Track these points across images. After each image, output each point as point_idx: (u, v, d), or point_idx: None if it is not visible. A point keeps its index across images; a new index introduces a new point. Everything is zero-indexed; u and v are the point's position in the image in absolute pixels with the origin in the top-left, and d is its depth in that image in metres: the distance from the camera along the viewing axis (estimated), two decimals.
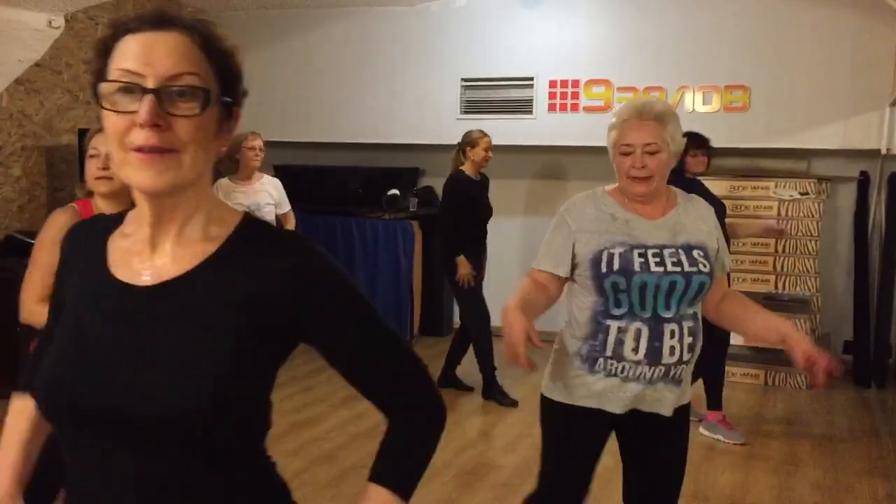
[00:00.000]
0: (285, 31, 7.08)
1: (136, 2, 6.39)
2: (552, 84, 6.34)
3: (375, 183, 6.84)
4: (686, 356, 2.21)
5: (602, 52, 6.24)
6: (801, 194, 5.81)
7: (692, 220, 2.28)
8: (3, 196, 5.56)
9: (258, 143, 5.06)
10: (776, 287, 5.85)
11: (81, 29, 6.09)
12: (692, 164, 4.53)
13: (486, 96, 6.56)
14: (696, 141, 4.46)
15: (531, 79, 6.38)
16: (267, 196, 5.15)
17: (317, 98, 7.00)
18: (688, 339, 2.20)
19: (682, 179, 4.68)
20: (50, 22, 4.76)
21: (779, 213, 5.83)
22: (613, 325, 2.18)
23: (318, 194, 6.95)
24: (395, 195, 6.61)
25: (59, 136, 5.94)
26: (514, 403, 5.11)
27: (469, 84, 6.60)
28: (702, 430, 4.62)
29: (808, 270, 5.82)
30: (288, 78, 7.04)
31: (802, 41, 5.78)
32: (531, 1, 6.35)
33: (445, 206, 5.23)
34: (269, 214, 5.15)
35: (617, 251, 2.18)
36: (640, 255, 2.18)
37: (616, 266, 2.17)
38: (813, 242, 5.81)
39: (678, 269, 2.17)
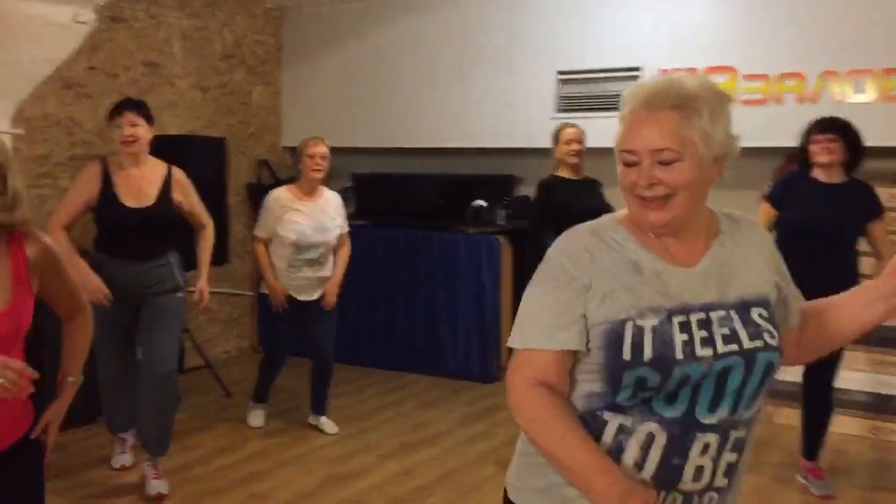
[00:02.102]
0: (361, 26, 6.43)
1: None
2: (663, 74, 5.33)
3: (459, 192, 6.05)
4: (721, 482, 1.40)
5: (723, 33, 5.19)
6: None
7: (744, 255, 1.48)
8: (48, 210, 5.16)
9: (320, 149, 4.36)
10: None
11: (141, 28, 5.66)
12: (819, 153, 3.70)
13: (586, 91, 5.63)
14: (825, 126, 3.66)
15: (637, 69, 5.41)
16: (330, 219, 4.48)
17: (395, 100, 6.30)
18: (729, 457, 1.39)
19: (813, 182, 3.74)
20: (76, 16, 4.28)
21: None
22: (614, 422, 1.38)
23: (395, 205, 6.25)
24: (479, 206, 5.80)
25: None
26: None
27: (566, 78, 5.70)
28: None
29: None
30: (364, 78, 6.40)
31: None
32: None
33: (530, 214, 4.52)
34: (335, 239, 4.51)
35: (648, 323, 1.35)
36: (681, 326, 1.35)
37: (649, 352, 1.33)
38: None
39: (734, 346, 1.37)
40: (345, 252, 4.59)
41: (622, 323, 1.35)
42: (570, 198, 4.11)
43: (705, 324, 1.36)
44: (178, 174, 3.85)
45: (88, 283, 3.53)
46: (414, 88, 6.23)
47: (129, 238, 3.71)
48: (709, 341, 1.34)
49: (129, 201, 3.68)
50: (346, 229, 4.60)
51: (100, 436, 4.35)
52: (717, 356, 1.34)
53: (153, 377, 3.70)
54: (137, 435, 3.94)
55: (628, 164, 1.40)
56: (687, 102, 1.36)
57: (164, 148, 4.16)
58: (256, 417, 4.76)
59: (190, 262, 5.06)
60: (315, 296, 4.47)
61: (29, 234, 1.95)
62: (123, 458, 4.07)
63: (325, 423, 4.67)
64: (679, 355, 1.32)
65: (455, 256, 5.85)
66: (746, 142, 1.48)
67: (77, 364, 2.21)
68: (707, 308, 1.38)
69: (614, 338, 1.35)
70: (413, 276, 5.96)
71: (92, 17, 4.37)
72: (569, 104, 5.68)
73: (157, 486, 3.73)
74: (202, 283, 3.93)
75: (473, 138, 6.03)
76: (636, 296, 1.37)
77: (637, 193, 1.39)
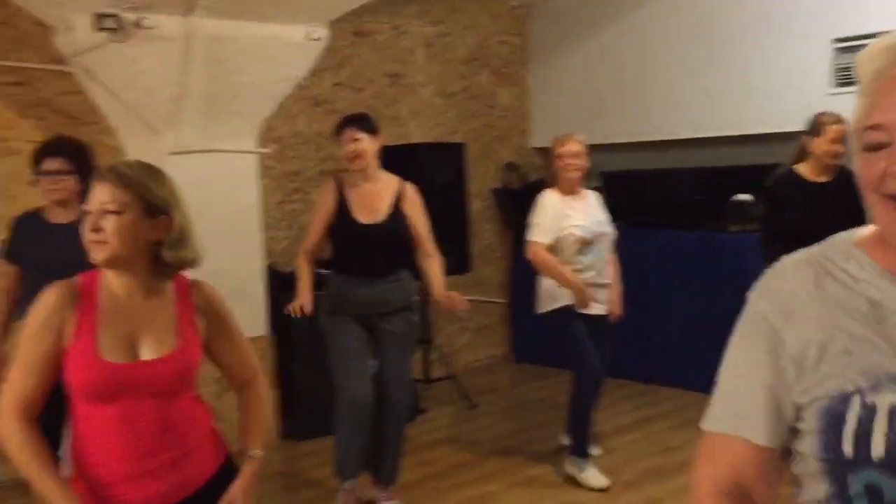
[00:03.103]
0: (608, 14, 6.02)
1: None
2: None
3: (718, 186, 5.41)
4: None
5: None
6: None
7: None
8: (301, 224, 5.38)
9: (571, 147, 3.97)
10: None
11: (384, 41, 5.74)
12: None
13: None
14: None
15: None
16: (598, 212, 4.11)
17: (647, 89, 5.81)
18: None
19: None
20: (308, 35, 4.37)
21: None
22: None
23: (646, 204, 5.75)
24: (741, 201, 5.13)
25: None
26: None
27: (844, 46, 4.86)
28: None
29: None
30: (613, 69, 5.99)
31: None
32: None
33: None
34: (609, 234, 4.10)
35: (886, 400, 0.91)
36: None
37: (880, 446, 0.90)
38: None
39: None
40: (614, 258, 4.16)
41: (846, 398, 0.93)
42: (808, 200, 3.55)
43: None
44: (410, 191, 3.68)
45: (299, 292, 3.51)
46: (668, 75, 5.70)
47: (361, 254, 3.63)
48: None
49: (362, 217, 3.61)
50: (612, 229, 4.17)
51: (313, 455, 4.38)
52: None
53: (389, 400, 3.59)
54: (368, 469, 3.71)
55: (874, 148, 0.94)
56: None
57: (402, 158, 4.11)
58: (594, 476, 3.90)
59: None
60: (599, 308, 3.98)
61: (197, 283, 1.93)
62: None
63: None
64: None
65: (714, 258, 5.24)
66: None
67: (259, 437, 2.03)
68: None
69: (833, 420, 0.93)
70: (666, 279, 5.44)
71: (324, 34, 4.44)
72: (849, 77, 4.84)
73: None
74: (441, 291, 3.61)
75: (736, 125, 5.37)
76: (870, 356, 0.93)
77: (888, 191, 0.93)
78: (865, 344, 0.94)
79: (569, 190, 4.02)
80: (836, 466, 0.93)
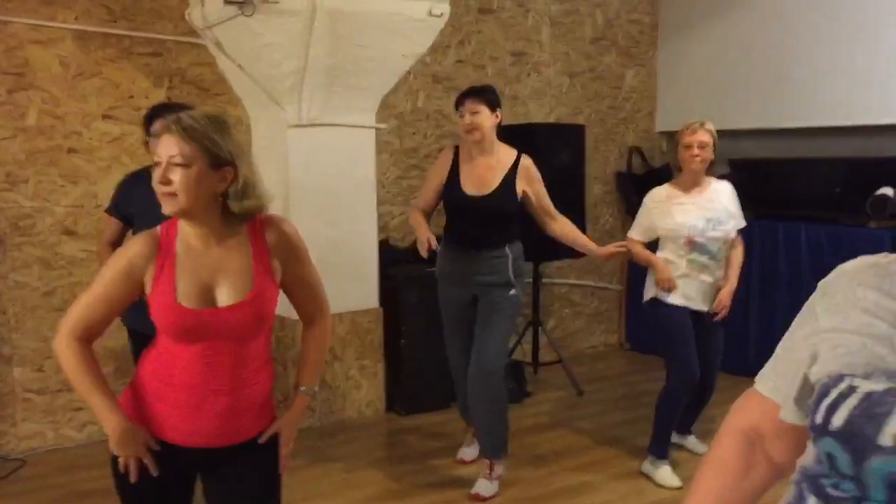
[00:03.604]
0: None
1: None
2: None
3: (860, 178, 5.05)
4: None
5: None
6: None
7: None
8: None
9: (696, 137, 3.70)
10: None
11: (508, 18, 5.66)
12: None
13: None
14: None
15: None
16: (723, 211, 3.80)
17: (778, 73, 5.48)
18: None
19: None
20: (430, 10, 4.35)
21: None
22: None
23: (778, 194, 5.43)
24: (884, 195, 4.77)
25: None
26: None
27: None
28: None
29: None
30: (748, 51, 5.68)
31: None
32: None
33: None
34: (733, 233, 3.83)
35: (868, 386, 0.97)
36: None
37: (840, 418, 0.97)
38: None
39: None
40: (738, 253, 3.89)
41: (839, 379, 1.00)
42: None
43: None
44: (526, 162, 3.65)
45: (419, 231, 3.53)
46: (806, 58, 5.35)
47: (465, 225, 3.67)
48: None
49: (470, 188, 3.62)
50: (741, 225, 3.90)
51: (418, 430, 4.41)
52: None
53: (477, 374, 3.60)
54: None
55: None
56: None
57: (520, 137, 4.04)
58: (668, 476, 3.78)
59: (538, 255, 4.95)
60: (708, 306, 3.81)
61: (269, 220, 1.92)
62: (467, 451, 4.05)
63: (693, 442, 4.14)
64: (884, 439, 0.91)
65: (851, 255, 4.88)
66: None
67: (310, 374, 2.09)
68: None
69: (820, 396, 1.02)
70: (796, 276, 5.13)
71: (446, 10, 4.41)
72: None
73: (480, 486, 3.63)
74: (590, 243, 3.81)
75: (880, 113, 4.98)
76: (880, 350, 0.99)
77: None
78: (883, 342, 0.99)
79: (691, 182, 3.79)
80: (812, 433, 1.02)
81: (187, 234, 1.85)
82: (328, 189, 4.42)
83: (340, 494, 3.68)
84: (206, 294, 1.83)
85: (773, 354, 1.18)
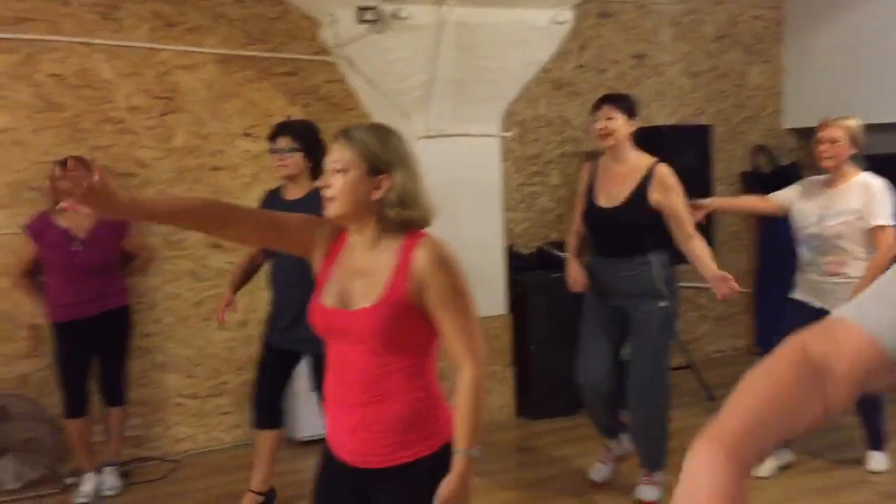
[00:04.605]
0: None
1: None
2: None
3: None
4: None
5: None
6: None
7: None
8: (540, 206, 5.44)
9: (825, 132, 3.63)
10: None
11: (629, 21, 5.62)
12: None
13: None
14: None
15: None
16: (844, 207, 3.64)
17: None
18: None
19: None
20: (553, 18, 4.37)
21: None
22: None
23: None
24: None
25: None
26: None
27: None
28: None
29: None
30: (880, 41, 5.43)
31: None
32: None
33: None
34: (834, 230, 3.64)
35: None
36: None
37: None
38: None
39: None
40: (880, 252, 3.59)
41: None
42: None
43: None
44: (662, 171, 3.51)
45: (568, 267, 3.78)
46: None
47: (599, 237, 3.69)
48: None
49: (602, 200, 3.60)
50: (879, 221, 3.59)
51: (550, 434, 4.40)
52: None
53: (632, 389, 3.59)
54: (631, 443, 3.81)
55: None
56: None
57: (647, 140, 4.01)
58: (880, 461, 3.96)
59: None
60: (828, 303, 3.62)
61: (425, 239, 1.86)
62: (601, 471, 3.90)
63: (875, 458, 3.96)
64: None
65: None
66: None
67: (465, 435, 1.84)
68: None
69: None
70: None
71: (569, 17, 4.43)
72: None
73: (642, 491, 3.63)
74: (711, 272, 3.40)
75: None
76: None
77: None
78: None
79: (828, 181, 3.71)
80: None
81: (351, 236, 1.92)
82: (456, 197, 4.51)
83: (477, 499, 3.74)
84: (344, 295, 1.85)
85: (867, 296, 1.02)
